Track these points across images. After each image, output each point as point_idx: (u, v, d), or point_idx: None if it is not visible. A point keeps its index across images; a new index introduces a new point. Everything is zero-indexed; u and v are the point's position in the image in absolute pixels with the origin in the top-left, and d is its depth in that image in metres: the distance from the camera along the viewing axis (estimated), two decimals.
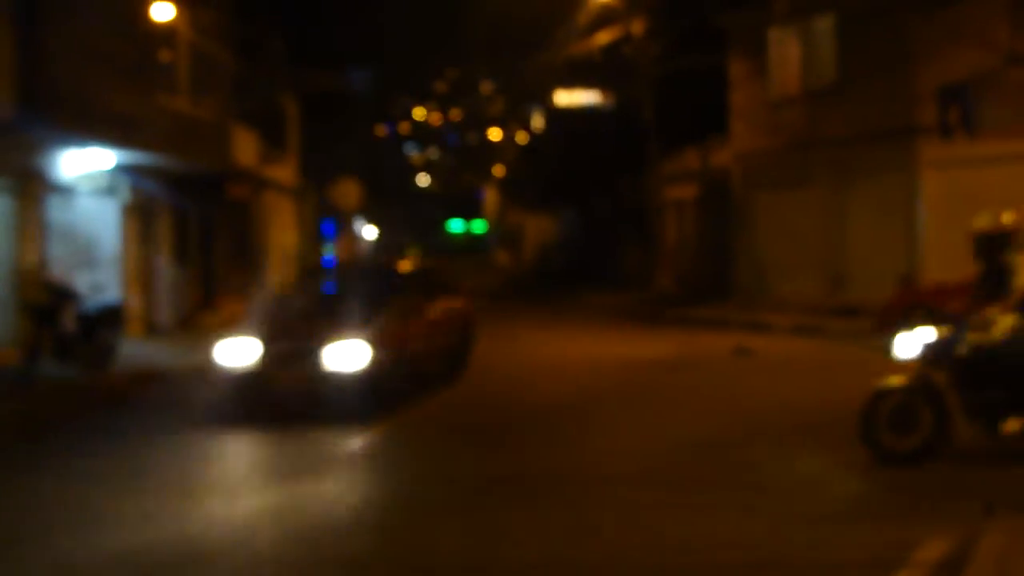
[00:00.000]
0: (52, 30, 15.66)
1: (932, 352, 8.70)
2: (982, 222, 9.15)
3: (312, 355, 11.60)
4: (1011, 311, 8.62)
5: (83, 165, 17.66)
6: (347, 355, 11.53)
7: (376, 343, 11.74)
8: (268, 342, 11.92)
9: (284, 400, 11.98)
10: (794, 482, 8.49)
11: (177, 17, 19.96)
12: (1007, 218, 9.16)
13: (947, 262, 19.60)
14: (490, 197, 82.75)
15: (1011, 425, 8.44)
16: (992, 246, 9.15)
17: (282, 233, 32.99)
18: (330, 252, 40.83)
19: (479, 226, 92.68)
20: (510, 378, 15.54)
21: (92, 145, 16.99)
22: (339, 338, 11.65)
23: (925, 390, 8.57)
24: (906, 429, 8.50)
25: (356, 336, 11.70)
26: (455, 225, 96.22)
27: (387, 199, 58.68)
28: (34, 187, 16.63)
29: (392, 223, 68.01)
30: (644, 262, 34.31)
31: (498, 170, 73.82)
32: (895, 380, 8.66)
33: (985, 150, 19.99)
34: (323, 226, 39.04)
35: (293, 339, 12.18)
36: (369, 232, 57.17)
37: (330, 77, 37.11)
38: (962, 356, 8.58)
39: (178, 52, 21.27)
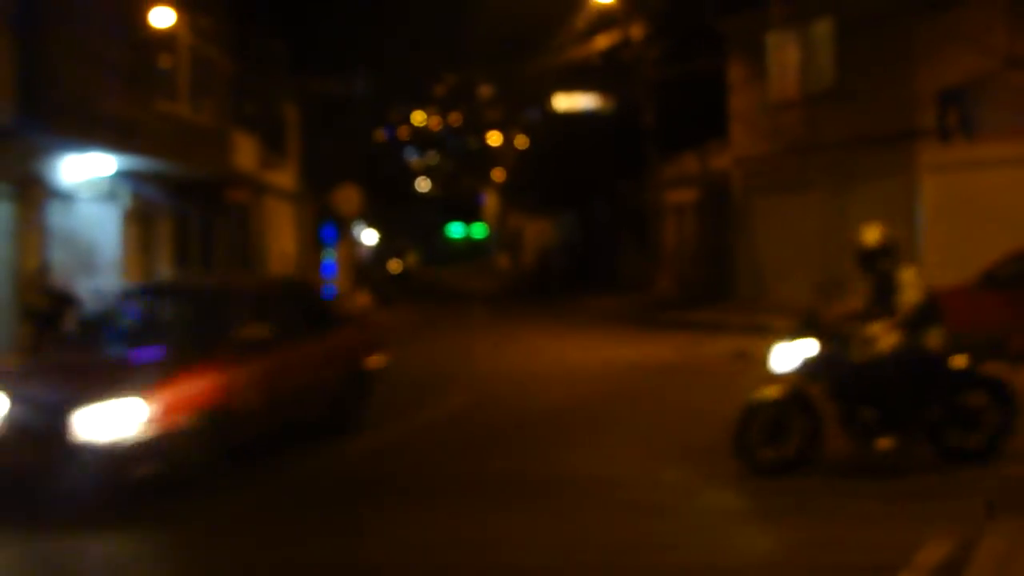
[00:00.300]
0: (53, 36, 15.69)
1: (812, 366, 8.66)
2: (870, 236, 9.11)
3: (60, 418, 8.06)
4: (895, 329, 8.62)
5: (84, 171, 17.69)
6: (111, 419, 8.05)
7: (162, 401, 8.30)
8: (13, 398, 8.43)
9: (21, 483, 8.33)
10: (793, 486, 8.50)
11: (177, 23, 19.99)
12: (889, 232, 9.13)
13: (946, 265, 19.62)
14: (490, 201, 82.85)
15: (884, 443, 8.55)
16: (875, 260, 8.95)
17: (282, 238, 33.00)
18: (330, 257, 40.84)
19: (479, 230, 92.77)
20: (512, 384, 15.54)
21: (93, 151, 17.03)
22: (104, 395, 8.17)
23: (800, 402, 8.59)
24: (779, 440, 8.53)
25: (128, 392, 8.21)
26: (455, 229, 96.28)
27: (387, 204, 58.72)
28: (35, 193, 16.65)
29: (392, 228, 68.04)
30: (644, 266, 34.35)
31: (498, 174, 73.87)
32: (770, 392, 8.66)
33: (984, 153, 20.03)
34: (323, 231, 39.04)
35: (44, 394, 8.57)
36: (369, 237, 57.21)
37: (330, 82, 37.16)
38: (842, 371, 8.64)
39: (178, 58, 21.30)
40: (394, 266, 61.20)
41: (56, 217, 17.45)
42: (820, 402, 8.64)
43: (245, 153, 26.74)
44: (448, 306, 37.06)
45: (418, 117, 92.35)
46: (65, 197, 17.79)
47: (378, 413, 11.97)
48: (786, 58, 25.50)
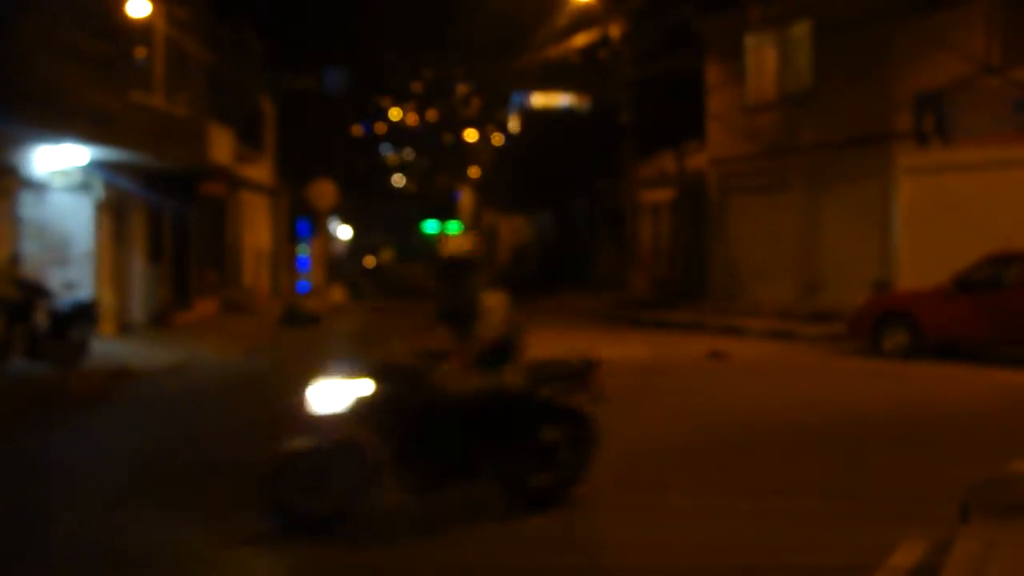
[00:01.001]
0: (27, 25, 15.53)
1: (366, 408, 7.32)
2: (455, 246, 8.27)
3: None
4: (470, 366, 7.60)
5: (57, 161, 17.53)
6: None
7: None
8: None
9: None
10: (770, 486, 8.49)
11: (153, 13, 19.86)
12: (475, 249, 8.24)
13: (921, 268, 19.75)
14: (466, 198, 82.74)
15: (446, 499, 7.62)
16: (457, 273, 7.97)
17: (257, 232, 32.87)
18: (305, 252, 40.73)
19: (454, 227, 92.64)
20: None
21: (66, 141, 16.87)
22: None
23: (346, 450, 7.28)
24: (319, 491, 7.16)
25: None
26: (430, 226, 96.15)
27: (362, 199, 58.62)
28: (7, 183, 16.49)
29: (367, 223, 67.93)
30: (619, 265, 34.35)
31: (474, 171, 73.80)
32: (310, 439, 7.28)
33: (960, 157, 20.14)
34: (298, 226, 38.92)
35: None
36: (344, 232, 57.10)
37: (306, 76, 37.03)
38: (403, 414, 7.40)
39: (154, 49, 21.16)
40: (369, 262, 61.12)
41: (28, 208, 17.30)
42: (375, 448, 7.33)
43: (220, 146, 26.58)
44: (421, 303, 36.94)
45: (395, 113, 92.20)
46: (38, 187, 17.64)
47: None
48: (764, 59, 25.56)
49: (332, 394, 7.32)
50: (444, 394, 7.52)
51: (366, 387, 7.34)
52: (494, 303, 7.85)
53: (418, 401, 7.45)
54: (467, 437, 7.50)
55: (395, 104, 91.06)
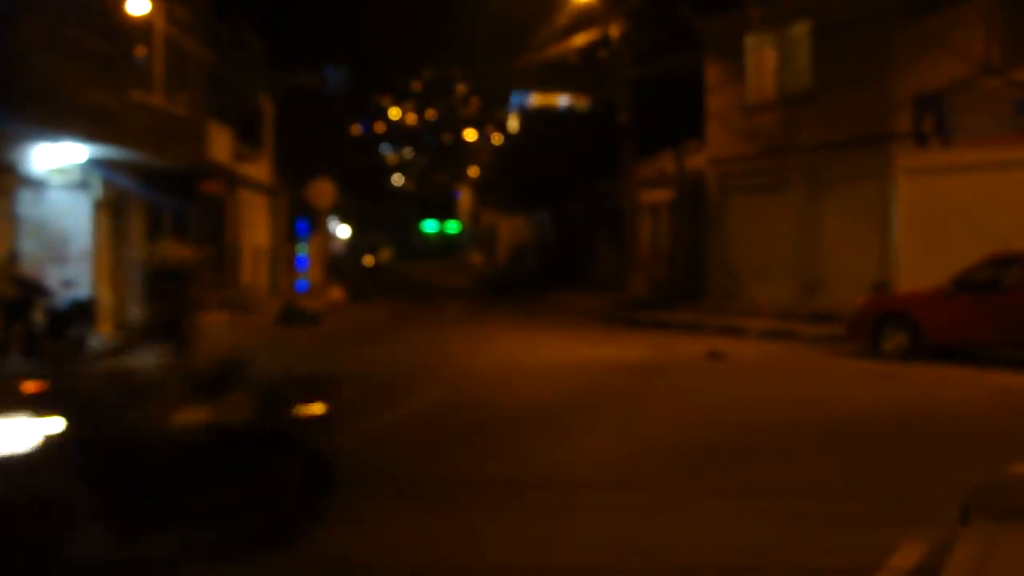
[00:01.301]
0: (26, 22, 15.49)
1: (53, 446, 6.32)
2: (173, 252, 7.20)
3: None
4: (184, 397, 6.79)
5: (55, 159, 17.49)
6: None
7: None
8: None
9: None
10: (769, 487, 8.47)
11: (153, 11, 19.82)
12: (199, 256, 7.28)
13: (921, 268, 19.73)
14: (465, 198, 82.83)
15: (157, 545, 6.58)
16: (170, 283, 7.08)
17: (256, 231, 32.83)
18: (303, 251, 40.69)
19: (453, 227, 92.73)
20: (481, 383, 15.46)
21: (65, 139, 16.83)
22: None
23: (30, 496, 6.29)
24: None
25: None
26: (429, 225, 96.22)
27: (362, 198, 58.61)
28: (5, 180, 16.45)
29: (366, 223, 67.93)
30: (618, 265, 34.34)
31: (473, 171, 73.85)
32: None
33: (959, 158, 20.12)
34: (297, 225, 38.88)
35: None
36: (343, 231, 57.07)
37: (306, 75, 36.99)
38: (101, 455, 6.42)
39: (153, 47, 21.11)
40: (368, 261, 61.12)
41: (26, 205, 17.25)
42: (68, 493, 6.34)
43: (220, 145, 26.56)
44: (421, 302, 36.94)
45: (394, 112, 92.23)
46: (36, 185, 17.60)
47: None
48: (763, 59, 25.55)
49: (12, 434, 6.28)
50: (147, 430, 6.69)
51: (55, 425, 6.36)
52: (216, 320, 7.13)
53: (116, 439, 6.56)
54: (175, 477, 6.58)
55: (394, 103, 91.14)
